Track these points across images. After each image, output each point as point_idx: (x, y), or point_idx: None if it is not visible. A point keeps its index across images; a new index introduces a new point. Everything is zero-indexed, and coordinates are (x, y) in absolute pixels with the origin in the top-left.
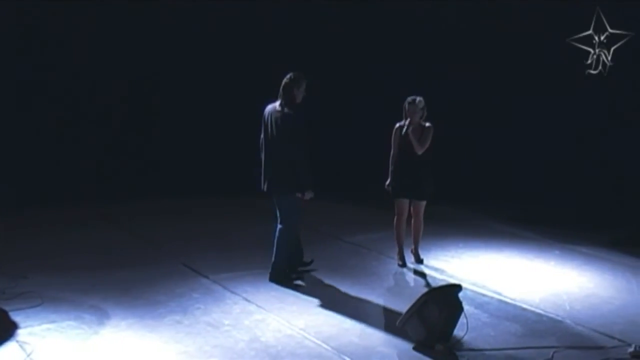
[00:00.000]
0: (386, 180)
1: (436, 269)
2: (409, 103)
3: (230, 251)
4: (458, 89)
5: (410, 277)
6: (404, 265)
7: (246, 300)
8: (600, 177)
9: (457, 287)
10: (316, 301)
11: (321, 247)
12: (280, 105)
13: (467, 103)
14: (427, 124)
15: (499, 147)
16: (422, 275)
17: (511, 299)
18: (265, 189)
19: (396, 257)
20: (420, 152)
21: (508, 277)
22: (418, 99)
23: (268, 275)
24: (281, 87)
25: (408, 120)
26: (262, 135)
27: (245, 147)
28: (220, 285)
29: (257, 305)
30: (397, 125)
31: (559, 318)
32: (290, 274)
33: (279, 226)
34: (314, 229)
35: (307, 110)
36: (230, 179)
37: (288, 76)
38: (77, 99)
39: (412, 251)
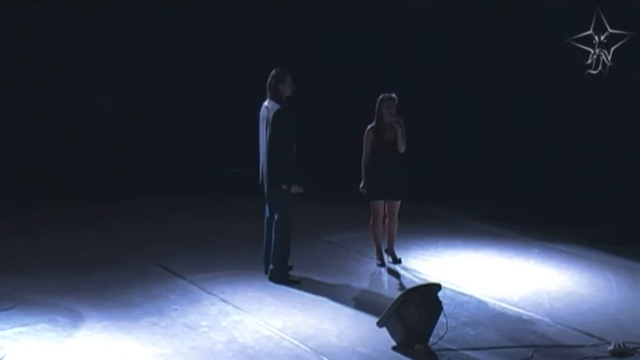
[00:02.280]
0: (359, 182)
1: (415, 269)
2: (387, 99)
3: (207, 251)
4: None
5: (389, 276)
6: (382, 265)
7: (223, 301)
8: (581, 175)
9: (437, 287)
10: (294, 301)
11: (298, 246)
12: (269, 103)
13: (442, 98)
14: (401, 122)
15: (482, 145)
16: (401, 275)
17: (491, 298)
18: (260, 183)
19: (375, 256)
20: (404, 149)
21: (488, 276)
22: (393, 94)
23: (268, 275)
24: (267, 86)
25: (386, 116)
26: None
27: (222, 146)
28: (197, 286)
29: (234, 306)
30: (369, 126)
31: (539, 317)
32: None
33: (274, 220)
34: (292, 227)
35: (303, 104)
36: (206, 177)
37: (271, 74)
38: (54, 98)
39: (386, 251)
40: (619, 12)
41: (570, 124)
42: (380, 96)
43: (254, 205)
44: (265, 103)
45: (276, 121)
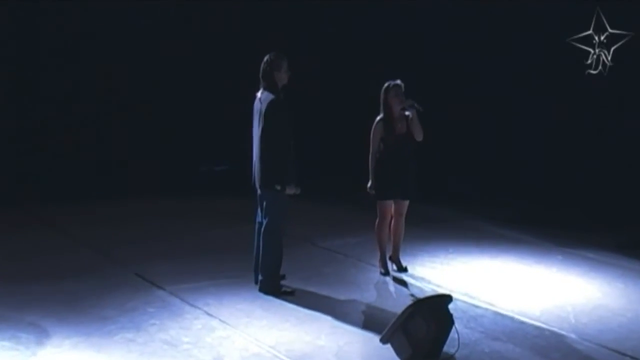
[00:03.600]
0: (360, 179)
1: (423, 278)
2: (394, 87)
3: (190, 258)
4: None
5: (394, 286)
6: (387, 273)
7: (208, 314)
8: (603, 174)
9: (447, 298)
10: (287, 315)
11: (292, 253)
12: (262, 93)
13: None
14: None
15: (493, 143)
16: (407, 284)
17: (509, 311)
18: (252, 183)
19: (378, 264)
20: (421, 137)
21: (505, 286)
22: (399, 81)
23: (258, 286)
24: (260, 74)
25: (395, 106)
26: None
27: (205, 142)
28: (179, 298)
29: (220, 320)
30: (378, 118)
31: (563, 332)
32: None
33: (263, 224)
34: (283, 232)
35: (297, 96)
36: (187, 176)
37: (265, 60)
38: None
39: (391, 258)
40: (619, 12)
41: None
42: (385, 84)
43: (242, 206)
44: (259, 94)
45: (270, 113)
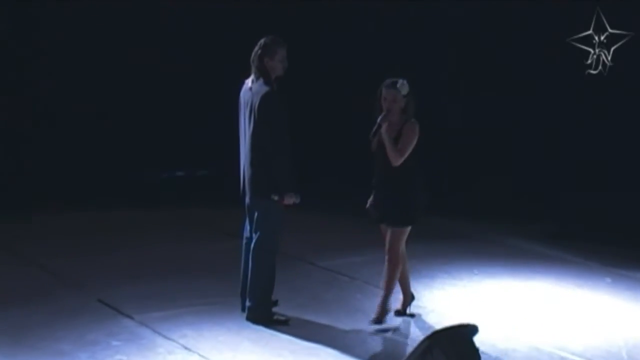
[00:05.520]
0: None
1: (443, 303)
2: (387, 87)
3: (162, 280)
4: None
5: (409, 313)
6: (399, 314)
7: (185, 348)
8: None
9: (472, 329)
10: (280, 348)
11: (286, 274)
12: (254, 83)
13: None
14: (412, 120)
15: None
16: (424, 311)
17: (546, 345)
18: (240, 191)
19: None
20: (396, 162)
21: (541, 314)
22: (400, 81)
23: (245, 314)
24: (251, 59)
25: (380, 118)
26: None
27: (178, 143)
28: (150, 328)
29: (200, 355)
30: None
31: None
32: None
33: (253, 240)
34: (276, 250)
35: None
36: (158, 183)
37: (259, 43)
38: None
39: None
40: (619, 12)
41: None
42: (386, 81)
43: (226, 219)
44: (249, 83)
45: (264, 107)
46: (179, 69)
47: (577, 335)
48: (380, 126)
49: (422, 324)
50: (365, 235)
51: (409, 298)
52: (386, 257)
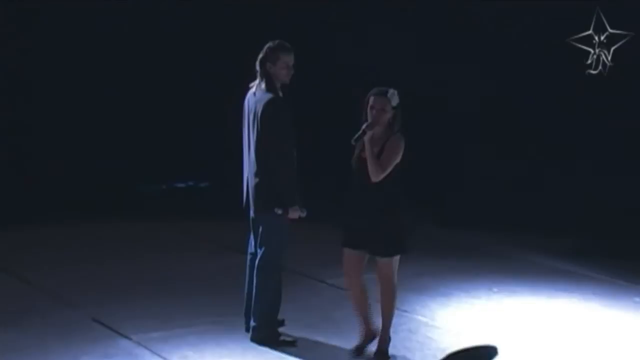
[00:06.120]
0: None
1: (459, 323)
2: (377, 94)
3: (162, 298)
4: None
5: (422, 335)
6: (355, 355)
7: None
8: None
9: (490, 351)
10: None
11: (294, 292)
12: (258, 89)
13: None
14: (398, 135)
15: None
16: (439, 332)
17: None
18: (243, 204)
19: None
20: (376, 177)
21: (564, 335)
22: (391, 90)
23: (249, 334)
24: (256, 64)
25: (366, 124)
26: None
27: (179, 153)
28: (148, 350)
29: None
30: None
31: None
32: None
33: (258, 256)
34: (282, 266)
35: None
36: (156, 196)
37: (265, 47)
38: None
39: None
40: (619, 12)
41: None
42: (374, 89)
43: (229, 233)
44: (253, 88)
45: (267, 116)
46: (179, 76)
47: (603, 358)
48: (364, 132)
49: (437, 345)
50: None
51: (371, 334)
52: (381, 288)
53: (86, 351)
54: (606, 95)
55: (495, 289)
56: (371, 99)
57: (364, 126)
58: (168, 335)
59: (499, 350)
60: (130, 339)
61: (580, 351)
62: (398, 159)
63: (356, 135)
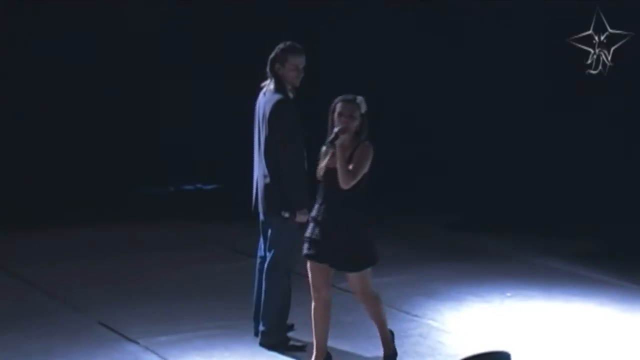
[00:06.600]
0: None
1: (472, 329)
2: (346, 101)
3: (169, 302)
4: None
5: (434, 340)
6: None
7: None
8: None
9: (504, 356)
10: None
11: (303, 296)
12: (267, 90)
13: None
14: (366, 142)
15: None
16: (451, 338)
17: None
18: (253, 206)
19: None
20: (346, 184)
21: (579, 341)
22: (360, 97)
23: (258, 338)
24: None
25: (338, 129)
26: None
27: (185, 155)
28: (156, 354)
29: None
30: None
31: None
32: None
33: (267, 259)
34: (291, 270)
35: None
36: (162, 197)
37: (276, 48)
38: None
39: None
40: (619, 12)
41: None
42: (337, 98)
43: (238, 236)
44: (263, 90)
45: (275, 117)
46: (187, 76)
47: None
48: (337, 136)
49: (448, 350)
50: (389, 254)
51: (323, 355)
52: (362, 299)
53: (92, 355)
54: (606, 95)
55: (509, 293)
56: (339, 106)
57: (335, 129)
58: (175, 340)
59: (512, 356)
60: (137, 342)
61: (595, 356)
62: (366, 168)
63: (329, 139)
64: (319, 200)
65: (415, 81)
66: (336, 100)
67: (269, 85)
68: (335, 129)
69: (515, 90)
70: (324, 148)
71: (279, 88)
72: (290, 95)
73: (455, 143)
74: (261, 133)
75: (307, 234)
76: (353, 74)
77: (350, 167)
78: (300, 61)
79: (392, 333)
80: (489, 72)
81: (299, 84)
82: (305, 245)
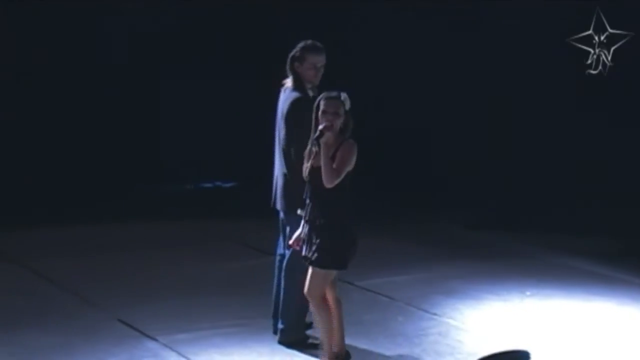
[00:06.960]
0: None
1: (492, 328)
2: (330, 98)
3: (187, 299)
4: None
5: (453, 339)
6: None
7: None
8: None
9: (523, 355)
10: None
11: None
12: (286, 89)
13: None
14: (350, 140)
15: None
16: (471, 336)
17: None
18: (272, 204)
19: None
20: (331, 183)
21: (600, 341)
22: (344, 94)
23: (277, 336)
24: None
25: (322, 126)
26: None
27: (205, 152)
28: (175, 351)
29: None
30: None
31: None
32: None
33: (286, 257)
34: None
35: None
36: (181, 195)
37: (297, 46)
38: None
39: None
40: (619, 12)
41: None
42: (320, 95)
43: (257, 234)
44: (284, 87)
45: (292, 116)
46: (204, 74)
47: None
48: (322, 134)
49: (467, 349)
50: (406, 252)
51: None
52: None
53: (111, 352)
54: (606, 95)
55: (528, 292)
56: (323, 103)
57: (320, 127)
58: (194, 337)
59: (531, 356)
60: (156, 340)
61: (616, 357)
62: (351, 166)
63: (314, 136)
64: (307, 200)
65: (425, 80)
66: (320, 97)
67: (288, 83)
68: (320, 127)
69: (514, 89)
70: (309, 147)
71: (297, 86)
72: (310, 93)
73: (471, 143)
74: (280, 131)
75: (301, 234)
76: (382, 72)
77: (334, 165)
78: (318, 60)
79: (348, 354)
80: (499, 69)
81: (318, 82)
82: (301, 246)
